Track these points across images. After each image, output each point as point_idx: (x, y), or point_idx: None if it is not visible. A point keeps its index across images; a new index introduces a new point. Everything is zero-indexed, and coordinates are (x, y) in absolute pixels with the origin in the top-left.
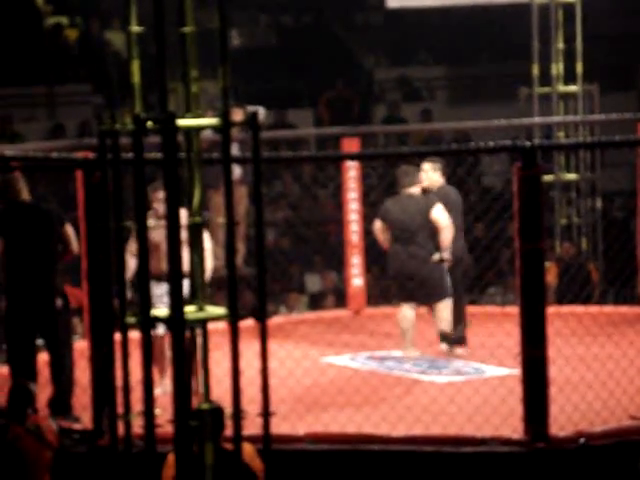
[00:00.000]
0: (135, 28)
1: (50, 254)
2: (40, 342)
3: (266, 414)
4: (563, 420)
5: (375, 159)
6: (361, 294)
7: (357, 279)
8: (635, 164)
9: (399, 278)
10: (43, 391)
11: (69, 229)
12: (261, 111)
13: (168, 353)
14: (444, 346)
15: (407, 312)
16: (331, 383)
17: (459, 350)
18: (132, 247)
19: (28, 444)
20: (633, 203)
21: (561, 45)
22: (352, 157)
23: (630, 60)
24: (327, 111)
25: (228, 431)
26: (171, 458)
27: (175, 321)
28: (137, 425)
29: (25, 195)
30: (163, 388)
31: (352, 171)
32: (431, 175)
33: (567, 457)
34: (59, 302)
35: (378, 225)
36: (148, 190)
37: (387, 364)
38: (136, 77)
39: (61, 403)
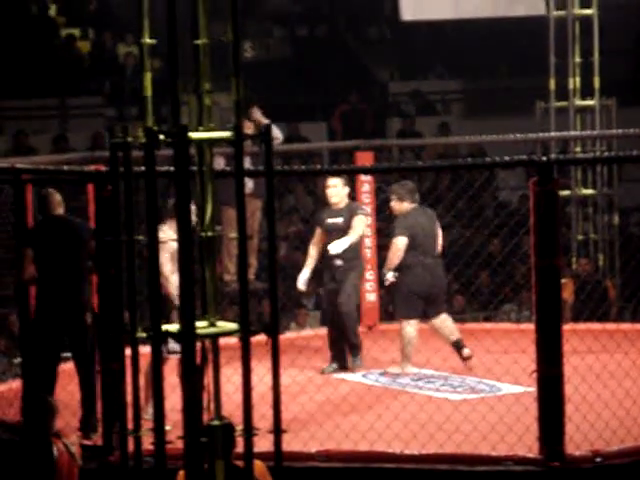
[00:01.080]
0: (147, 40)
1: (80, 269)
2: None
3: (277, 431)
4: (579, 439)
5: (389, 173)
6: (374, 309)
7: (371, 294)
8: None
9: (431, 291)
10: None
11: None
12: (276, 132)
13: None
14: (467, 351)
15: (415, 327)
16: (343, 400)
17: (467, 350)
18: (169, 264)
19: (64, 460)
20: None
21: (578, 59)
22: (366, 171)
23: None
24: (341, 124)
25: (239, 448)
26: (181, 474)
27: (186, 336)
28: (147, 441)
29: (60, 210)
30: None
31: (366, 185)
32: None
33: (583, 476)
34: (89, 318)
35: (406, 241)
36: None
37: (400, 381)
38: (148, 89)
39: (90, 421)
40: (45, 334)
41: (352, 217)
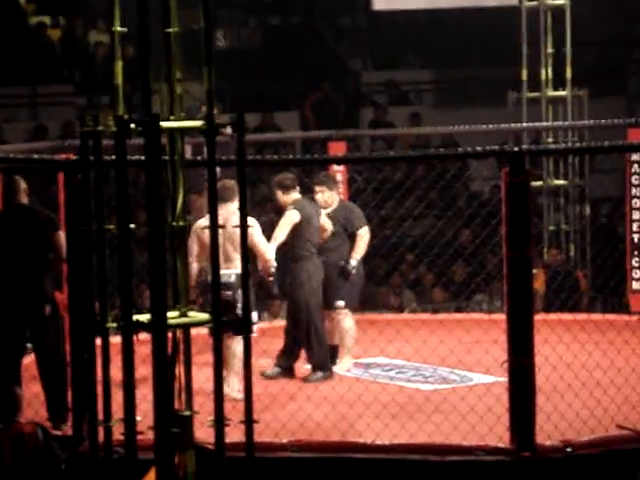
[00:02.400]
0: (118, 29)
1: (40, 260)
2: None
3: (249, 421)
4: (550, 429)
5: (362, 163)
6: None
7: None
8: (624, 170)
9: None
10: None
11: (61, 237)
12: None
13: (229, 351)
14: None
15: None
16: (315, 390)
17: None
18: (193, 250)
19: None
20: (622, 209)
21: (550, 49)
22: (339, 161)
23: (619, 65)
24: (313, 114)
25: (211, 438)
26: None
27: (157, 326)
28: (117, 432)
29: (24, 198)
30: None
31: (338, 175)
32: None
33: (553, 466)
34: (48, 308)
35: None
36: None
37: (372, 371)
38: (119, 78)
39: (58, 411)
40: (5, 325)
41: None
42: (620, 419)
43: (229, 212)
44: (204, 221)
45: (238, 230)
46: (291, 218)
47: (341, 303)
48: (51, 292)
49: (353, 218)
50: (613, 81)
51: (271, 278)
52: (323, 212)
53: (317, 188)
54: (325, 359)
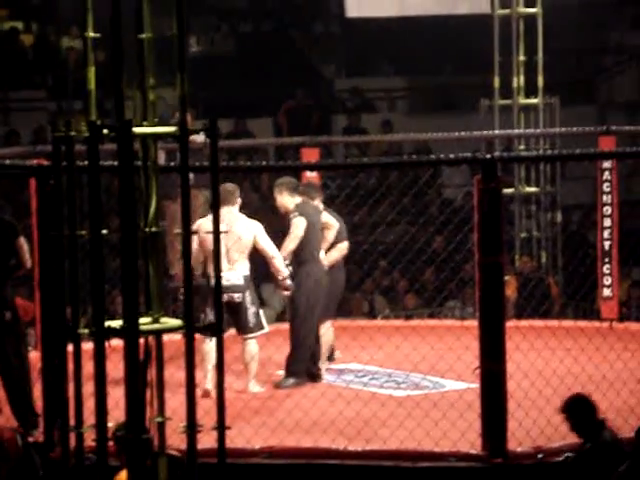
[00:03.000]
0: (91, 34)
1: (1, 266)
2: None
3: (221, 427)
4: (521, 435)
5: (335, 169)
6: None
7: None
8: (595, 177)
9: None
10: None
11: (22, 243)
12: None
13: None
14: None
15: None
16: (287, 396)
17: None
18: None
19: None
20: (593, 217)
21: (522, 57)
22: (312, 167)
23: (591, 73)
24: (286, 120)
25: (182, 445)
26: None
27: (129, 332)
28: (89, 438)
29: None
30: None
31: (311, 181)
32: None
33: (525, 472)
34: (8, 315)
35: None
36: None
37: (344, 377)
38: (92, 84)
39: (24, 416)
40: None
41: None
42: None
43: (232, 215)
44: (206, 222)
45: (242, 233)
46: (300, 227)
47: None
48: (11, 298)
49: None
50: (584, 89)
51: (288, 282)
52: (323, 211)
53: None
54: (301, 367)
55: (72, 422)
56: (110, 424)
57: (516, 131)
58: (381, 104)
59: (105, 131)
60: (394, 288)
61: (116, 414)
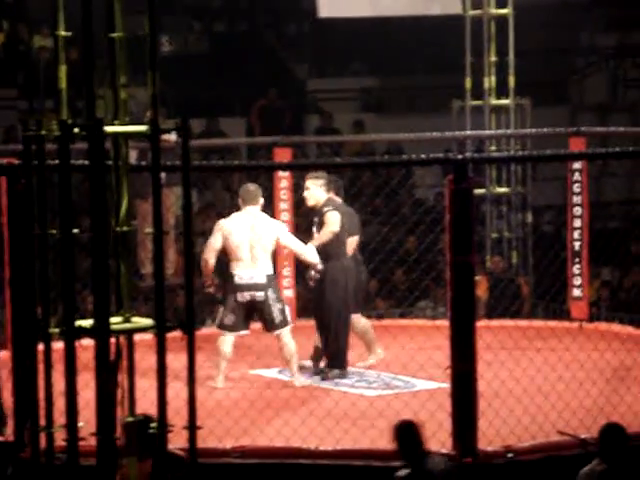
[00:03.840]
0: (62, 33)
1: None
2: None
3: (192, 427)
4: (491, 435)
5: (307, 169)
6: (292, 306)
7: (288, 290)
8: (565, 178)
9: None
10: None
11: None
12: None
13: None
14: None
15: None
16: (259, 396)
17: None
18: (213, 246)
19: None
20: (563, 217)
21: (493, 58)
22: (284, 167)
23: (562, 74)
24: (259, 120)
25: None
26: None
27: (100, 332)
28: (60, 438)
29: None
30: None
31: (284, 181)
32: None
33: (495, 472)
34: None
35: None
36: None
37: (317, 377)
38: (63, 82)
39: None
40: None
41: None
42: (561, 425)
43: (254, 215)
44: (232, 223)
45: (264, 232)
46: (337, 222)
47: None
48: None
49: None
50: (555, 90)
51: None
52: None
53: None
54: (343, 358)
55: (42, 422)
56: (80, 424)
57: (487, 132)
58: (353, 104)
59: (76, 130)
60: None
61: (86, 414)
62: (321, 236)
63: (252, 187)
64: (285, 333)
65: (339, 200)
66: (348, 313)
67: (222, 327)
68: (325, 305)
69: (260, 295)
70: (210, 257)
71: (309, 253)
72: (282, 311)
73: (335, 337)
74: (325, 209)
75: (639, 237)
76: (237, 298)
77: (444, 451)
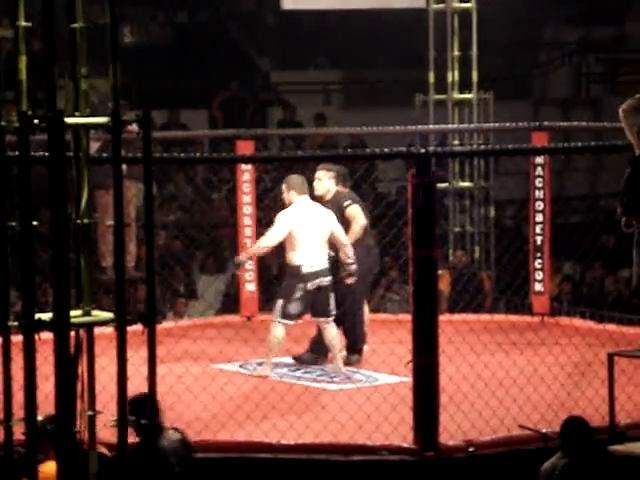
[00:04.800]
0: (22, 23)
1: None
2: None
3: (153, 422)
4: (453, 429)
5: (270, 162)
6: (253, 300)
7: (250, 284)
8: (528, 173)
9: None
10: None
11: None
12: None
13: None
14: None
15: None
16: (221, 390)
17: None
18: (275, 238)
19: None
20: (525, 212)
21: (456, 52)
22: (246, 160)
23: (524, 69)
24: (221, 112)
25: (113, 439)
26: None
27: (60, 325)
28: (18, 432)
29: None
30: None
31: (246, 174)
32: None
33: (456, 466)
34: None
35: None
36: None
37: (278, 371)
38: (23, 73)
39: None
40: None
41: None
42: (522, 419)
43: (309, 204)
44: (296, 214)
45: (321, 221)
46: (361, 212)
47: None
48: None
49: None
50: (518, 85)
51: (354, 268)
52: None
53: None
54: (361, 345)
55: (0, 415)
56: (39, 417)
57: (450, 126)
58: (316, 97)
59: (36, 121)
60: None
61: (46, 407)
62: (354, 233)
63: (299, 178)
64: (332, 322)
65: (346, 190)
66: (364, 298)
67: (286, 317)
68: (348, 291)
69: (326, 280)
70: (269, 248)
71: (349, 249)
72: (333, 300)
73: (356, 322)
74: (345, 203)
75: (603, 231)
76: (307, 287)
77: (406, 445)
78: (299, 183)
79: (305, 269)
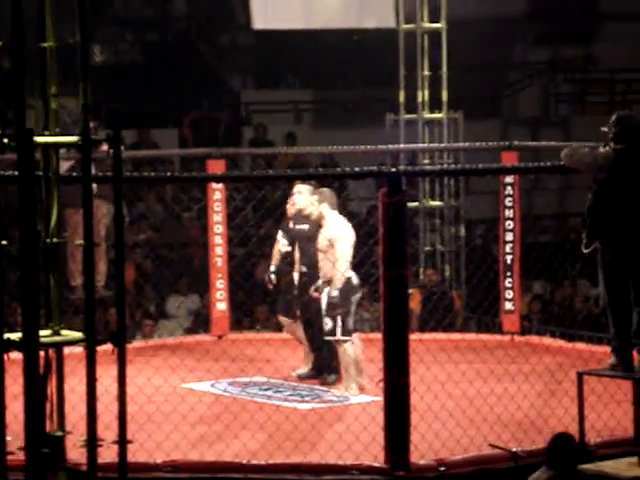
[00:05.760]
0: None
1: None
2: None
3: (123, 441)
4: (424, 448)
5: (241, 181)
6: (224, 319)
7: (221, 303)
8: (498, 192)
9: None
10: None
11: None
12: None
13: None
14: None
15: None
16: (191, 410)
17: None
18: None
19: None
20: (496, 231)
21: (426, 72)
22: (218, 179)
23: (494, 89)
24: (191, 132)
25: (83, 459)
26: None
27: (29, 345)
28: None
29: None
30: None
31: (217, 193)
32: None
33: None
34: None
35: None
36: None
37: (249, 390)
38: None
39: None
40: None
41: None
42: (493, 438)
43: (340, 218)
44: (341, 230)
45: (351, 235)
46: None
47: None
48: None
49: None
50: (488, 104)
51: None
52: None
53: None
54: (333, 361)
55: None
56: (8, 438)
57: (421, 145)
58: (287, 117)
59: (5, 140)
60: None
61: (15, 427)
62: (343, 255)
63: (331, 192)
64: (348, 344)
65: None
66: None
67: (348, 333)
68: (317, 310)
69: (358, 296)
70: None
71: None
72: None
73: (328, 346)
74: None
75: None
76: (357, 299)
77: (376, 465)
78: (331, 197)
79: (355, 281)
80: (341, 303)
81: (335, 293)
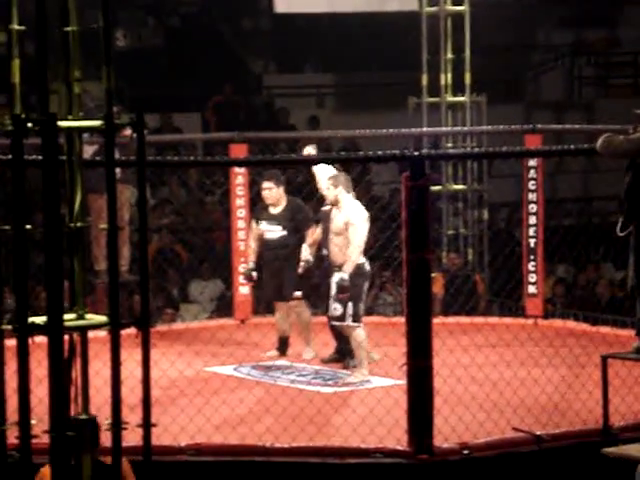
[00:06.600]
0: (16, 27)
1: None
2: None
3: (147, 425)
4: (447, 431)
5: (263, 165)
6: (247, 303)
7: (243, 288)
8: (521, 175)
9: None
10: None
11: None
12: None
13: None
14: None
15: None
16: (214, 393)
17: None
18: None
19: None
20: (519, 214)
21: (450, 55)
22: (240, 163)
23: (517, 72)
24: (214, 116)
25: (107, 442)
26: (45, 470)
27: (53, 329)
28: (12, 435)
29: None
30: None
31: (240, 177)
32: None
33: (450, 468)
34: None
35: None
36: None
37: (272, 374)
38: (16, 77)
39: None
40: None
41: (295, 218)
42: (516, 421)
43: (357, 202)
44: (358, 216)
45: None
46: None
47: (298, 294)
48: None
49: (303, 217)
50: (511, 87)
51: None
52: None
53: (265, 185)
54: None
55: None
56: (33, 421)
57: (444, 129)
58: (309, 101)
59: (29, 125)
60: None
61: (39, 411)
62: (356, 241)
63: (346, 176)
64: (360, 329)
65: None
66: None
67: (359, 319)
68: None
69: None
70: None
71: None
72: None
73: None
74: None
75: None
76: (367, 285)
77: (400, 448)
78: (347, 181)
79: (367, 268)
80: (351, 288)
81: (346, 277)
